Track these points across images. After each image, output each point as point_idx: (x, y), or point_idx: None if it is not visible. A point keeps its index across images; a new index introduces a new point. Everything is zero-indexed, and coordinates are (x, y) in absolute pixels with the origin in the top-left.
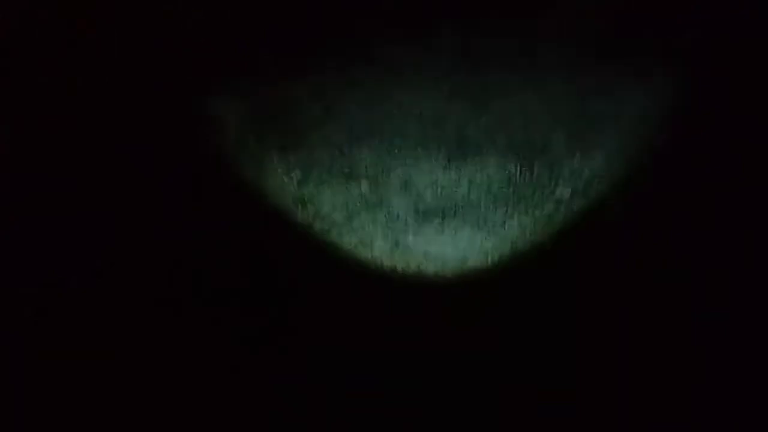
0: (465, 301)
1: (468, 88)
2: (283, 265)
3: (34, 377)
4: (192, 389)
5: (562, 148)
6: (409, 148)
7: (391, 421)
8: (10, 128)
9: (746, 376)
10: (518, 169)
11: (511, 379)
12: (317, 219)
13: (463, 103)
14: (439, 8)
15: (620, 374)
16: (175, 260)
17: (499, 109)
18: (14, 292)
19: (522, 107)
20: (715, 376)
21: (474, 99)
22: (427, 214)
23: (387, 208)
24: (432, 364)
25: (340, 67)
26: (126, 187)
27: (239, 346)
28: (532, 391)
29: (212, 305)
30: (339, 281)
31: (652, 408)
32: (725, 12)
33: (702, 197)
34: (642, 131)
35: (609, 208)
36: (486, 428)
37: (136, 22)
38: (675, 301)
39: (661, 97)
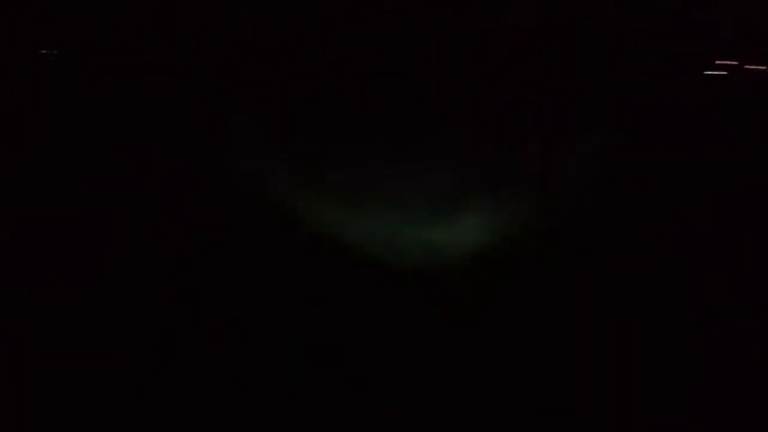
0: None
1: None
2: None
3: (34, 376)
4: (191, 387)
5: None
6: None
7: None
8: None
9: (745, 377)
10: None
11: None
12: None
13: None
14: None
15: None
16: (176, 260)
17: None
18: (14, 292)
19: None
20: (715, 374)
21: None
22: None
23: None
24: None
25: None
26: (126, 186)
27: (239, 344)
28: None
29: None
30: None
31: (651, 406)
32: None
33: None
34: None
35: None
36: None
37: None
38: (671, 300)
39: None
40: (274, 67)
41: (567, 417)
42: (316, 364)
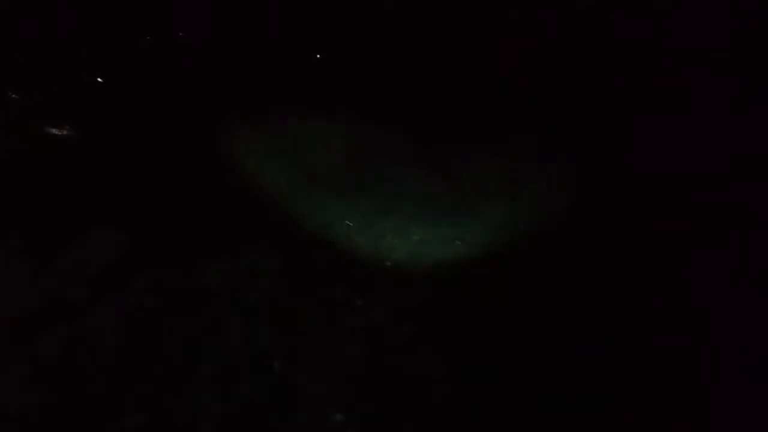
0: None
1: None
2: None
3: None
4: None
5: None
6: None
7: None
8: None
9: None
10: None
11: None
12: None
13: None
14: None
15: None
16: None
17: None
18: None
19: None
20: (717, 374)
21: None
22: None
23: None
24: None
25: None
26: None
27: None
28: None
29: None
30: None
31: (652, 407)
32: None
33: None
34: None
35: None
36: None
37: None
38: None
39: None
40: (276, 66)
41: (568, 419)
42: (317, 364)
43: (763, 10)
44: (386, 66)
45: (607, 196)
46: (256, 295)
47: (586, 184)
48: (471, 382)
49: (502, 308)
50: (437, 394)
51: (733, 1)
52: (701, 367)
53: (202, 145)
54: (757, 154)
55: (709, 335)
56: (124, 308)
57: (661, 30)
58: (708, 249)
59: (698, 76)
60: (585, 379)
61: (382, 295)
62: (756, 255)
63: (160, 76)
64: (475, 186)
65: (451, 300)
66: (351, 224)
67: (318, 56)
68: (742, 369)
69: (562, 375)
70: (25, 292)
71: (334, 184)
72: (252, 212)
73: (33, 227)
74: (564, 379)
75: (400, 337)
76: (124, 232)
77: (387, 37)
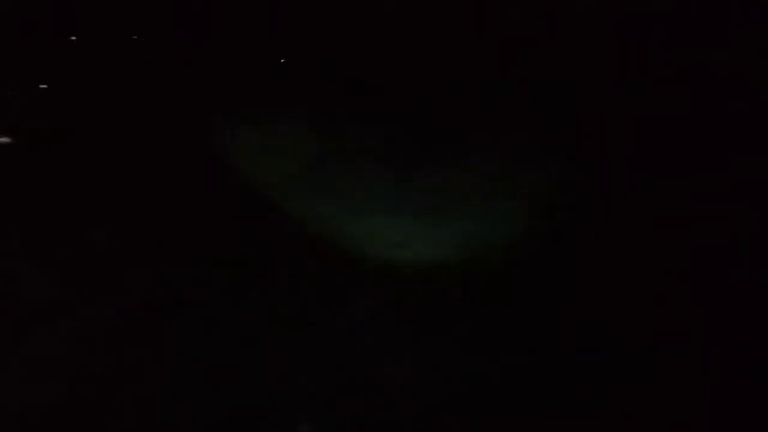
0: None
1: None
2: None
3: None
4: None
5: None
6: None
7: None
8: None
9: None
10: None
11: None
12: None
13: None
14: None
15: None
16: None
17: None
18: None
19: None
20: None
21: None
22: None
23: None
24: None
25: None
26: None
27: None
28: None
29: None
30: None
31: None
32: None
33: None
34: None
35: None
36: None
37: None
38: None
39: None
40: (276, 66)
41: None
42: (317, 364)
43: (763, 10)
44: (386, 66)
45: (607, 196)
46: (256, 294)
47: (586, 184)
48: (471, 382)
49: (502, 308)
50: (437, 394)
51: (733, 1)
52: (701, 367)
53: (202, 145)
54: (757, 154)
55: (709, 335)
56: (124, 308)
57: (661, 30)
58: (708, 249)
59: (698, 76)
60: (585, 379)
61: (383, 294)
62: (756, 255)
63: (160, 76)
64: (475, 186)
65: (450, 300)
66: (348, 224)
67: (314, 56)
68: (742, 369)
69: (562, 375)
70: (24, 292)
71: (335, 184)
72: (252, 212)
73: (33, 226)
74: (564, 379)
75: (400, 337)
76: (124, 231)
77: (387, 37)
